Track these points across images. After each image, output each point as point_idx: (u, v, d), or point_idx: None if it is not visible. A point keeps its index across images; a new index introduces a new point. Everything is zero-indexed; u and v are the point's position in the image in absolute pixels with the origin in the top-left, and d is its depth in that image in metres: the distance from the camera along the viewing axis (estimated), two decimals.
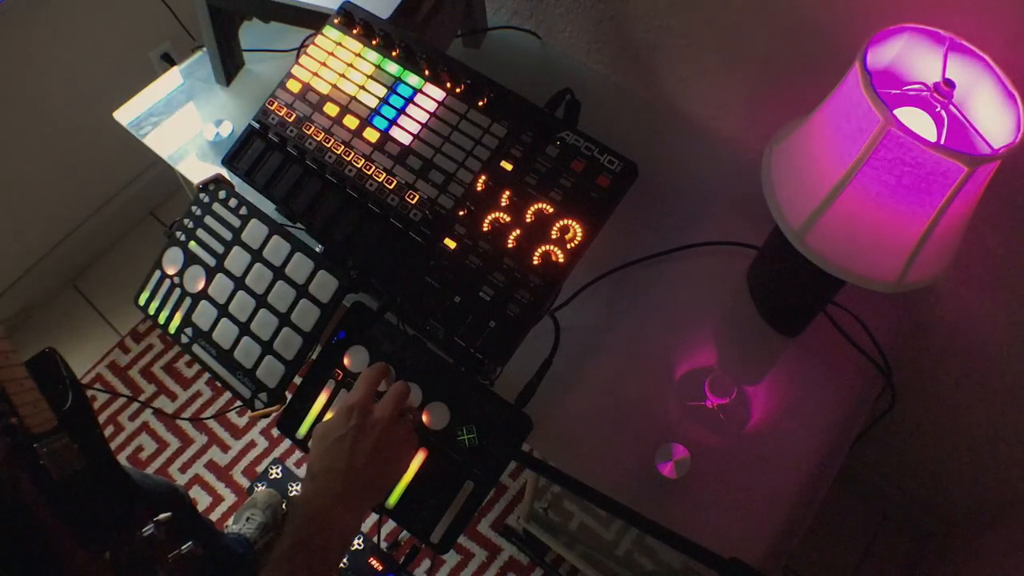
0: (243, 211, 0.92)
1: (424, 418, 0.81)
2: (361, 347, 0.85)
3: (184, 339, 0.91)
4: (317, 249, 0.91)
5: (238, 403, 0.90)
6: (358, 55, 0.94)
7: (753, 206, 0.96)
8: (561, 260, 0.82)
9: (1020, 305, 1.04)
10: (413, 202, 0.87)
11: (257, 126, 0.95)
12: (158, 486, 1.18)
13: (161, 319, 0.93)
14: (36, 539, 0.67)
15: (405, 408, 0.79)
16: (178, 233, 0.94)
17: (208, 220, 0.93)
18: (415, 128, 0.90)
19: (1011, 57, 0.74)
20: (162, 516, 0.78)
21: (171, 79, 1.30)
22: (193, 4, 1.14)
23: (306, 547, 0.70)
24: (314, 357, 0.87)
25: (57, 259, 1.96)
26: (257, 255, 0.90)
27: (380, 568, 1.62)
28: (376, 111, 0.91)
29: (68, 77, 1.70)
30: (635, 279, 1.06)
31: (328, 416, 0.82)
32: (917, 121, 0.77)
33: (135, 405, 1.84)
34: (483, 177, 0.86)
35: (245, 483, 1.75)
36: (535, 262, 0.82)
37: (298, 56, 0.97)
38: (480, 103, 0.89)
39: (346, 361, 0.85)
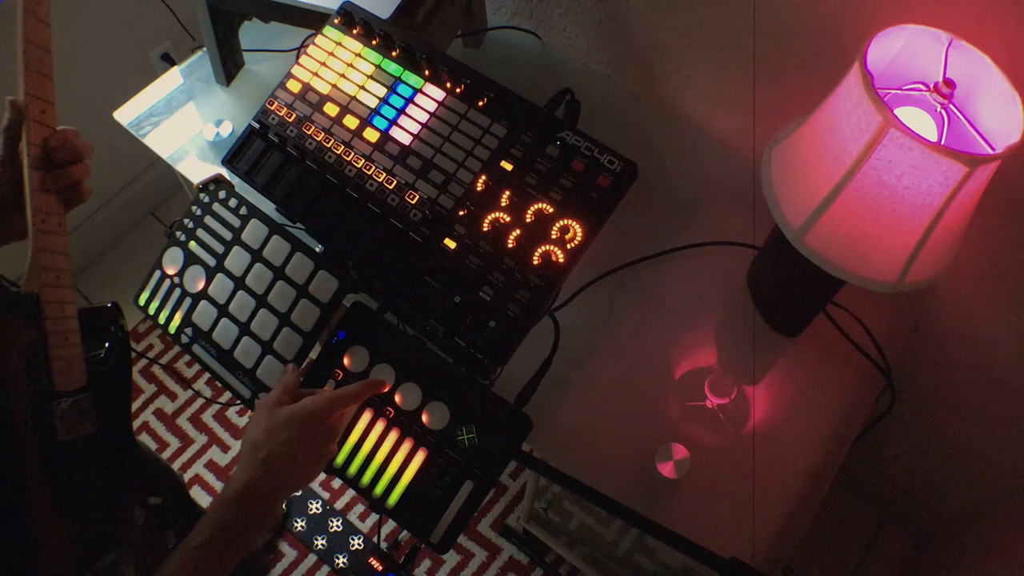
0: (243, 211, 0.92)
1: (424, 418, 0.81)
2: (361, 347, 0.85)
3: (184, 339, 0.91)
4: (317, 249, 0.91)
5: (238, 403, 0.90)
6: (358, 55, 0.94)
7: (753, 206, 0.96)
8: (561, 260, 0.82)
9: (1020, 305, 1.04)
10: (413, 202, 0.87)
11: (257, 126, 0.94)
12: (159, 463, 1.17)
13: (161, 319, 0.93)
14: (18, 494, 0.66)
15: None
16: (178, 233, 0.94)
17: (208, 220, 0.93)
18: (415, 128, 0.90)
19: (1011, 57, 0.74)
20: (151, 500, 0.77)
21: (171, 79, 1.30)
22: (193, 4, 1.14)
23: (241, 534, 0.68)
24: (314, 357, 0.87)
25: None
26: (257, 255, 0.90)
27: (380, 568, 1.62)
28: (376, 111, 0.91)
29: (68, 77, 1.70)
30: (635, 279, 1.06)
31: (275, 391, 0.78)
32: (917, 121, 0.77)
33: (135, 405, 1.84)
34: (483, 177, 0.86)
35: None
36: (535, 262, 0.82)
37: (298, 56, 0.97)
38: (480, 103, 0.89)
39: (346, 361, 0.85)
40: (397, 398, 0.82)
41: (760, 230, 0.99)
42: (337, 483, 1.73)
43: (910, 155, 0.68)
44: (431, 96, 0.90)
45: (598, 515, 1.53)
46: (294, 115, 0.93)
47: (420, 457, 0.80)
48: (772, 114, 1.09)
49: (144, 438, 1.81)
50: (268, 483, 0.70)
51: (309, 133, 0.91)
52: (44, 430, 0.68)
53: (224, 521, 0.68)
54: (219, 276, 0.91)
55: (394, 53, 0.93)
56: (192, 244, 0.93)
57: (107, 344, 0.74)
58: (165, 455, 1.78)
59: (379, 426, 0.82)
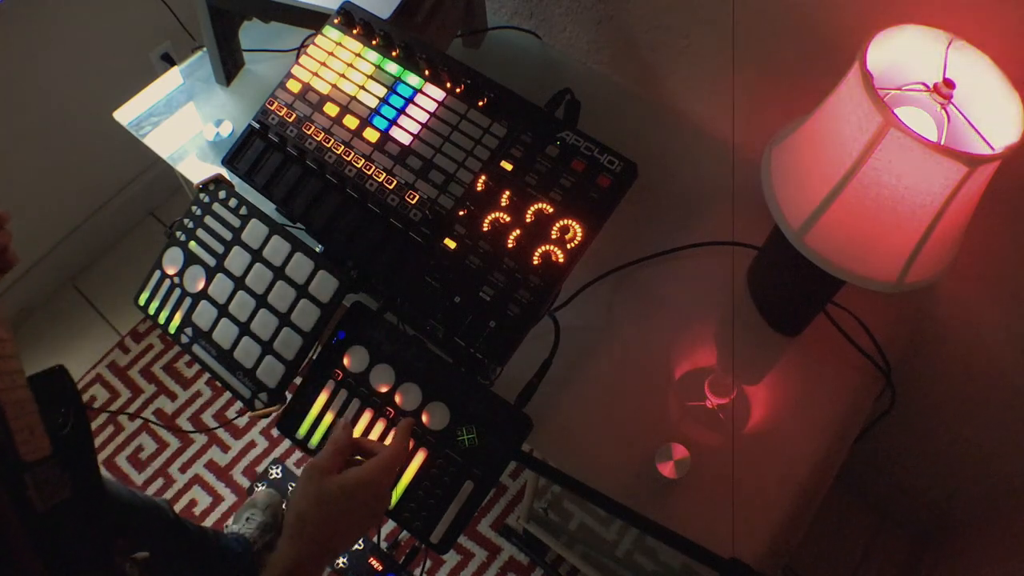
0: (243, 211, 0.92)
1: (424, 418, 0.81)
2: (361, 347, 0.85)
3: (184, 339, 0.91)
4: (317, 249, 0.91)
5: (238, 403, 0.90)
6: (358, 55, 0.94)
7: (753, 206, 0.96)
8: (561, 260, 0.82)
9: (1020, 305, 1.04)
10: (413, 202, 0.87)
11: (257, 126, 0.94)
12: (140, 502, 1.16)
13: (161, 319, 0.93)
14: (10, 571, 0.66)
15: None
16: (178, 233, 0.94)
17: (208, 220, 0.93)
18: (415, 128, 0.90)
19: (1011, 57, 0.74)
20: (139, 555, 0.76)
21: (171, 79, 1.30)
22: (193, 4, 1.14)
23: None
24: (314, 357, 0.87)
25: (57, 259, 1.96)
26: (257, 255, 0.90)
27: (380, 568, 1.62)
28: (376, 111, 0.91)
29: (68, 77, 1.70)
30: (635, 279, 1.06)
31: (325, 454, 0.75)
32: (917, 121, 0.77)
33: (135, 405, 1.84)
34: (483, 177, 0.86)
35: (245, 483, 1.75)
36: (535, 262, 0.82)
37: (298, 56, 0.97)
38: (480, 103, 0.89)
39: (346, 361, 0.85)
40: (397, 398, 0.82)
41: (760, 230, 0.99)
42: None
43: (910, 155, 0.68)
44: (431, 96, 0.90)
45: (598, 515, 1.53)
46: (294, 115, 0.93)
47: (420, 457, 0.80)
48: (772, 114, 1.09)
49: (144, 438, 1.81)
50: (315, 559, 0.69)
51: (309, 133, 0.91)
52: (21, 504, 0.67)
53: None
54: (219, 276, 0.91)
55: (394, 53, 0.93)
56: (192, 244, 0.93)
57: (61, 408, 0.73)
58: (165, 455, 1.78)
59: (379, 426, 0.82)
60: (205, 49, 1.25)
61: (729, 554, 0.78)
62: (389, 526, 1.65)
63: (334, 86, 0.93)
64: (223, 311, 0.90)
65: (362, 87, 0.92)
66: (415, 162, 0.88)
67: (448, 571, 1.65)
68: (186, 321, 0.91)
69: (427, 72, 0.91)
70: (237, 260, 0.91)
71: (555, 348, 0.90)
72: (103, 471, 1.75)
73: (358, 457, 0.77)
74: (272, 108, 0.93)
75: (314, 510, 0.69)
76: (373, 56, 0.93)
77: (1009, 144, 0.69)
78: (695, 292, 1.05)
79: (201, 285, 0.91)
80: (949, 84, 0.74)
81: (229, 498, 1.74)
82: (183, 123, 1.25)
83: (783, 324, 1.02)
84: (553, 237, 0.83)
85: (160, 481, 1.76)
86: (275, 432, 1.70)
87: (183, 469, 1.77)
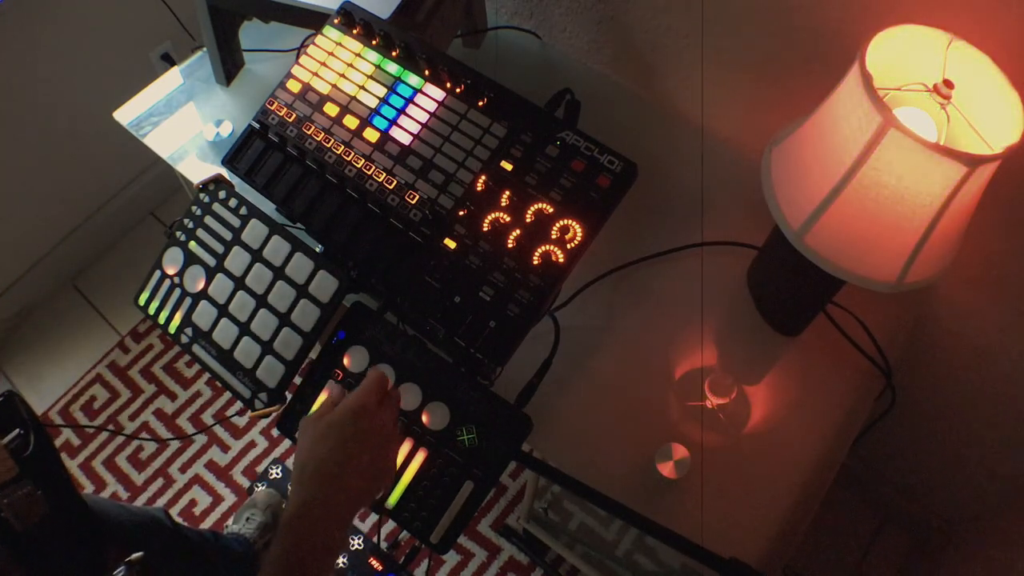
0: (243, 211, 0.92)
1: (424, 418, 0.81)
2: (361, 347, 0.85)
3: (184, 339, 0.91)
4: (317, 249, 0.91)
5: (238, 403, 0.90)
6: (358, 55, 0.94)
7: (753, 206, 0.96)
8: (561, 260, 0.82)
9: (1019, 304, 1.04)
10: (413, 202, 0.87)
11: (257, 126, 0.95)
12: (135, 517, 1.16)
13: (161, 319, 0.93)
14: None
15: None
16: (178, 233, 0.94)
17: (208, 220, 0.93)
18: (415, 128, 0.90)
19: (1011, 57, 0.74)
20: (133, 556, 0.76)
21: (171, 79, 1.30)
22: (193, 4, 1.14)
23: (310, 560, 0.65)
24: (314, 357, 0.87)
25: (57, 259, 1.96)
26: (257, 255, 0.90)
27: (380, 568, 1.63)
28: (376, 111, 0.91)
29: (68, 77, 1.70)
30: (635, 279, 1.06)
31: (318, 407, 0.76)
32: (917, 121, 0.77)
33: (135, 405, 1.84)
34: (483, 177, 0.86)
35: (245, 483, 1.75)
36: (535, 262, 0.82)
37: (298, 56, 0.97)
38: (480, 103, 0.89)
39: (346, 361, 0.85)
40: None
41: (760, 230, 0.99)
42: None
43: (910, 155, 0.68)
44: (431, 96, 0.90)
45: (598, 515, 1.53)
46: (294, 115, 0.93)
47: (420, 457, 0.80)
48: (772, 114, 1.09)
49: (144, 438, 1.81)
50: (324, 500, 0.67)
51: (309, 133, 0.91)
52: (1, 528, 0.67)
53: (283, 556, 0.64)
54: (219, 276, 0.91)
55: (394, 53, 0.93)
56: (192, 244, 0.93)
57: (20, 432, 0.73)
58: (165, 455, 1.78)
59: None
60: (205, 49, 1.25)
61: (730, 554, 0.78)
62: (389, 526, 1.65)
63: (334, 86, 0.93)
64: (223, 311, 0.90)
65: (362, 87, 0.92)
66: (415, 162, 0.88)
67: (448, 571, 1.65)
68: (186, 321, 0.91)
69: (427, 72, 0.91)
70: (237, 260, 0.91)
71: (555, 348, 0.90)
72: (112, 480, 1.75)
73: None
74: (272, 108, 0.93)
75: (310, 451, 0.70)
76: (373, 56, 0.93)
77: (1009, 144, 0.69)
78: (695, 292, 1.05)
79: (201, 285, 0.91)
80: (949, 84, 0.74)
81: (229, 498, 1.74)
82: (183, 123, 1.25)
83: (783, 324, 1.02)
84: (553, 237, 0.83)
85: (160, 481, 1.76)
86: (275, 432, 1.70)
87: (183, 469, 1.77)
